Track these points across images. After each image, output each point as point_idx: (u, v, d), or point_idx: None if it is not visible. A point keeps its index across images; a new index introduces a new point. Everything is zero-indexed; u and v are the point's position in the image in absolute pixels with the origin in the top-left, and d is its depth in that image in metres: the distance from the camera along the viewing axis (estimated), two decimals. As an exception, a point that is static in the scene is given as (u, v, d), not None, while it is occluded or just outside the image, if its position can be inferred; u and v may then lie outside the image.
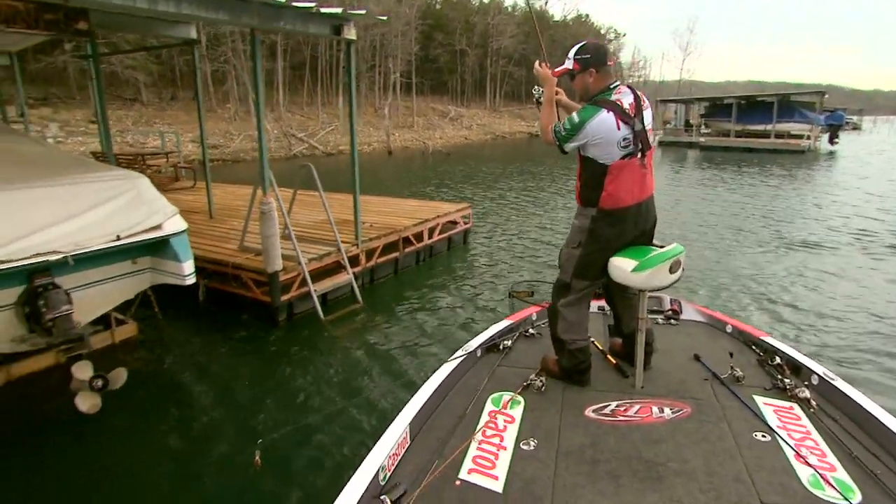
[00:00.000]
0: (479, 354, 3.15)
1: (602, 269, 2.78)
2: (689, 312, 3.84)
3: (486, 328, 3.43)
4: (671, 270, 2.66)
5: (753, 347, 3.28)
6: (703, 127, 35.46)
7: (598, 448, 2.37)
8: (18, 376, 4.59)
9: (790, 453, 2.31)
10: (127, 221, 4.42)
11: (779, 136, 30.56)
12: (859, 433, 2.43)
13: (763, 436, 2.44)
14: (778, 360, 3.03)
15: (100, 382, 3.90)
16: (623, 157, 2.59)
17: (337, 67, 38.22)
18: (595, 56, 2.63)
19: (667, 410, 2.63)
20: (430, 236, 8.12)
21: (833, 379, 2.76)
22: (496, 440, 2.42)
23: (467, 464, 2.26)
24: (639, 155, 2.62)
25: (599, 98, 2.62)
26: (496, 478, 2.20)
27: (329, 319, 5.85)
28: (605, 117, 2.56)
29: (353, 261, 6.63)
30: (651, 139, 2.69)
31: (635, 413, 2.62)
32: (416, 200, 10.23)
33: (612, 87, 2.65)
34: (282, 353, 5.26)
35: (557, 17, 68.34)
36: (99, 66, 6.70)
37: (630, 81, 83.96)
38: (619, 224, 2.69)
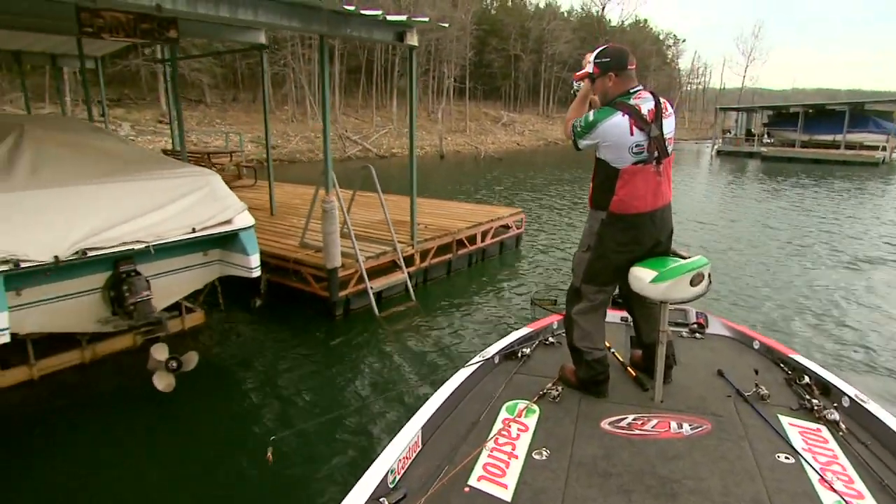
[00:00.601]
0: (496, 361, 3.11)
1: (612, 275, 2.73)
2: (715, 326, 3.76)
3: (506, 334, 3.42)
4: (692, 283, 2.57)
5: (781, 365, 3.18)
6: (765, 137, 34.25)
7: (611, 461, 2.32)
8: (102, 355, 4.98)
9: (814, 477, 2.22)
10: (201, 215, 4.73)
11: (849, 146, 29.19)
12: (892, 460, 2.32)
13: (786, 457, 2.35)
14: (806, 379, 2.93)
15: (174, 364, 4.20)
16: (635, 163, 2.55)
17: (391, 72, 38.92)
18: (614, 60, 2.60)
19: (686, 426, 2.57)
20: (483, 239, 8.24)
21: (865, 401, 2.65)
22: (508, 448, 2.39)
23: (477, 471, 2.24)
24: (654, 162, 2.57)
25: (617, 101, 2.58)
26: (505, 486, 2.18)
27: (383, 316, 6.05)
28: (619, 120, 2.52)
29: (408, 261, 6.81)
30: (669, 148, 2.63)
31: (653, 427, 2.56)
32: (470, 204, 10.37)
33: (632, 91, 2.60)
34: (337, 346, 5.48)
35: (615, 23, 67.50)
36: (176, 70, 7.14)
37: (689, 88, 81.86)
38: (630, 230, 2.63)
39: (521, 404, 2.70)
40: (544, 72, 54.04)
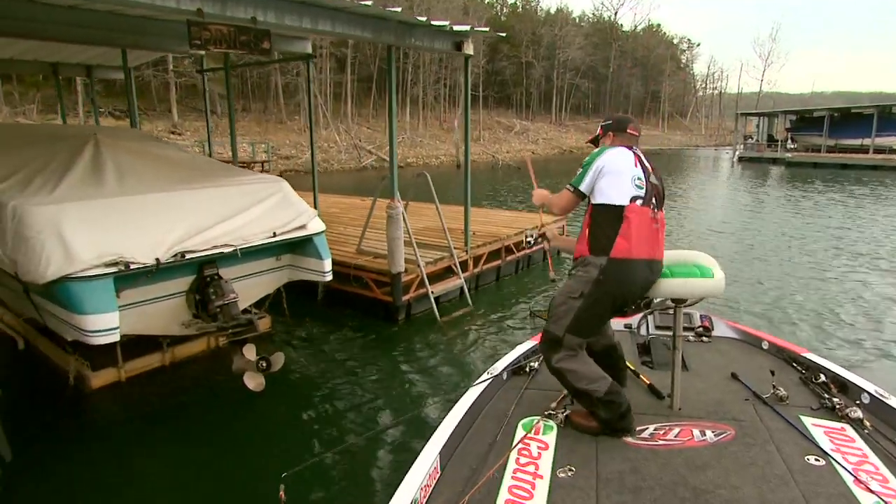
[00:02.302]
0: (505, 377, 3.11)
1: (598, 327, 2.75)
2: (720, 328, 3.79)
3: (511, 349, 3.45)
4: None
5: (794, 365, 3.20)
6: (789, 142, 34.43)
7: (640, 475, 2.30)
8: (181, 358, 5.27)
9: (848, 479, 2.21)
10: (279, 220, 5.01)
11: (878, 150, 29.31)
12: None
13: (816, 459, 2.34)
14: (822, 377, 2.95)
15: (264, 364, 4.46)
16: (635, 199, 2.60)
17: (404, 81, 39.48)
18: (615, 123, 2.85)
19: (709, 433, 2.56)
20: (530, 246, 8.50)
21: (886, 397, 2.65)
22: (531, 468, 2.36)
23: (503, 494, 2.20)
24: (652, 207, 2.64)
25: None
26: None
27: (444, 321, 6.31)
28: (623, 150, 2.69)
29: (462, 266, 7.08)
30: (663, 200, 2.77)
31: (675, 437, 2.55)
32: (510, 211, 10.67)
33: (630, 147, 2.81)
34: (402, 350, 5.73)
35: (627, 28, 68.16)
36: (229, 80, 7.48)
37: (704, 93, 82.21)
38: (630, 276, 2.62)
39: (537, 421, 2.70)
40: (557, 78, 54.60)
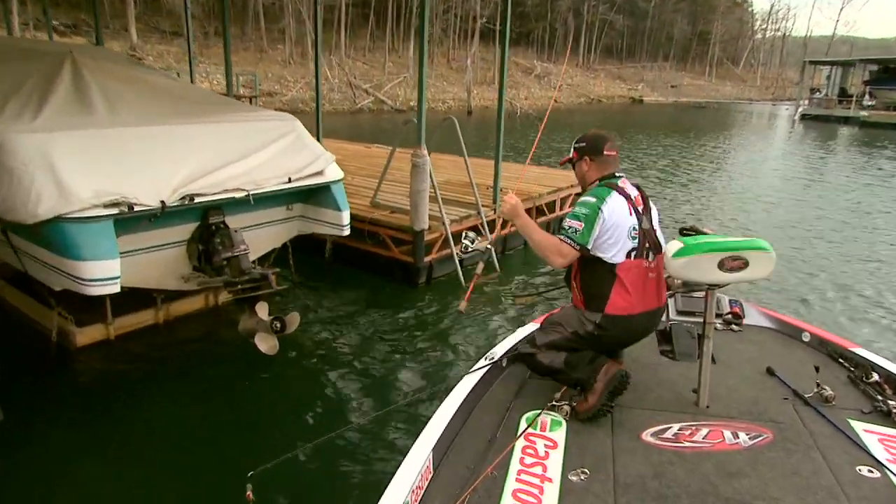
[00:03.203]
0: (504, 364, 3.15)
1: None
2: (753, 316, 3.81)
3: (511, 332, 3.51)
4: (722, 267, 2.57)
5: (841, 361, 3.20)
6: (865, 97, 33.75)
7: (663, 480, 2.31)
8: (176, 315, 5.43)
9: None
10: (293, 164, 5.10)
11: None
12: None
13: (870, 471, 2.33)
14: (875, 376, 2.93)
15: (278, 324, 4.59)
16: (630, 254, 2.75)
17: (406, 8, 38.92)
18: (590, 145, 2.90)
19: (742, 436, 2.57)
20: (563, 207, 8.63)
21: None
22: (538, 469, 2.37)
23: (507, 498, 2.22)
24: (646, 256, 2.79)
25: (604, 182, 2.83)
26: None
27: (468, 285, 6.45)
28: (618, 199, 2.76)
29: (490, 226, 7.20)
30: (662, 241, 2.87)
31: (704, 438, 2.56)
32: (539, 167, 10.74)
33: (616, 175, 2.88)
34: (421, 317, 5.90)
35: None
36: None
37: (764, 36, 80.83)
38: (628, 330, 2.82)
39: (543, 415, 2.71)
40: (587, 12, 53.82)
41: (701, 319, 2.89)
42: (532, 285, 6.79)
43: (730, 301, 3.89)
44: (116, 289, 4.04)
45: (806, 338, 3.53)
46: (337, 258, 6.95)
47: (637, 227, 2.79)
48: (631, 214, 2.77)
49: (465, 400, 2.72)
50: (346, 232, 5.42)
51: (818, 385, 2.88)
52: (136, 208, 4.09)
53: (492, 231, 7.20)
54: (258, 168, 4.88)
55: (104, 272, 3.97)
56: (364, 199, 7.23)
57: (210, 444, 3.91)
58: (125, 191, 4.08)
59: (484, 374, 2.97)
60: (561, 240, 2.73)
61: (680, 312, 3.82)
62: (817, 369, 2.99)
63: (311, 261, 6.82)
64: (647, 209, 2.88)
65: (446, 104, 31.91)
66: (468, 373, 2.97)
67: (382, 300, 6.21)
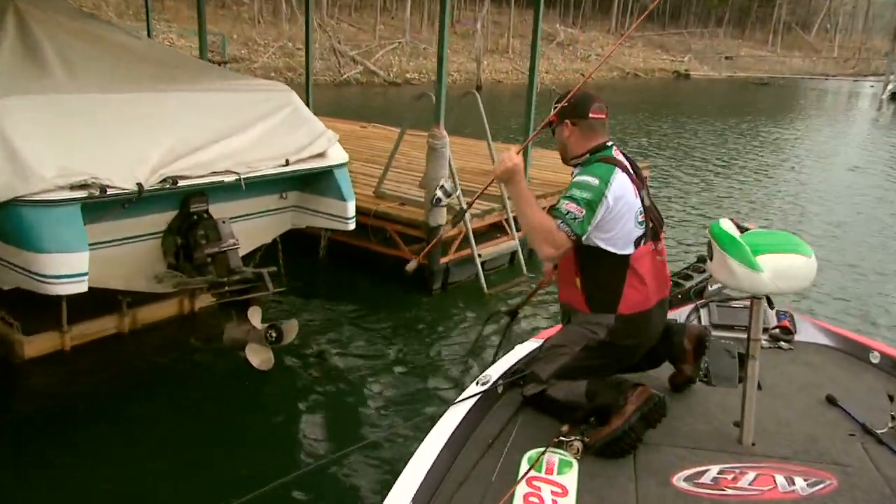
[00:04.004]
0: (500, 391, 3.10)
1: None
2: (807, 331, 3.79)
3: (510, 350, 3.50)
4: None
5: None
6: None
7: None
8: (143, 324, 5.50)
9: None
10: (292, 143, 5.18)
11: None
12: None
13: None
14: None
15: (273, 334, 4.65)
16: (639, 241, 2.81)
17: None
18: (572, 107, 2.89)
19: (799, 481, 2.51)
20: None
21: None
22: None
23: None
24: (652, 238, 2.86)
25: (599, 156, 2.84)
26: None
27: (492, 293, 6.56)
28: (623, 178, 2.78)
29: (517, 223, 7.29)
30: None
31: (750, 484, 2.51)
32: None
33: (608, 145, 2.90)
34: (438, 330, 5.97)
35: None
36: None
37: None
38: (645, 328, 2.89)
39: (549, 454, 2.65)
40: (622, -31, 54.14)
41: (743, 335, 2.84)
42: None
43: (778, 313, 3.83)
44: (84, 287, 4.10)
45: (875, 358, 3.47)
46: (333, 259, 7.04)
47: (642, 208, 2.84)
48: (636, 196, 2.81)
49: (452, 435, 2.65)
50: (352, 226, 5.51)
51: (893, 418, 2.81)
52: (110, 191, 4.14)
53: (517, 228, 7.29)
54: (250, 147, 4.95)
55: (70, 267, 4.03)
56: (364, 187, 7.30)
57: (180, 476, 3.97)
58: (96, 170, 4.12)
59: (475, 404, 2.90)
60: (557, 226, 2.68)
61: (716, 326, 3.77)
62: (892, 398, 2.90)
63: (301, 262, 6.86)
64: (641, 180, 2.92)
65: (450, 76, 31.93)
66: (455, 402, 2.91)
67: (389, 309, 6.29)
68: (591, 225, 2.70)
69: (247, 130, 5.01)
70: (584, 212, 2.67)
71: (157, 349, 5.33)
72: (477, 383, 3.05)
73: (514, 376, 3.14)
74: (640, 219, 2.81)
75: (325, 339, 5.75)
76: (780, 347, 3.64)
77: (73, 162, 4.11)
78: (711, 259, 2.71)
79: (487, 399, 2.99)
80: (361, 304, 6.38)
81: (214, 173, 4.67)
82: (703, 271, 5.05)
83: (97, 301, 5.09)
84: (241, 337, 4.74)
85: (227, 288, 4.70)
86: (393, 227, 6.67)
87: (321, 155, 5.33)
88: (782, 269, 2.54)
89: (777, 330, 3.73)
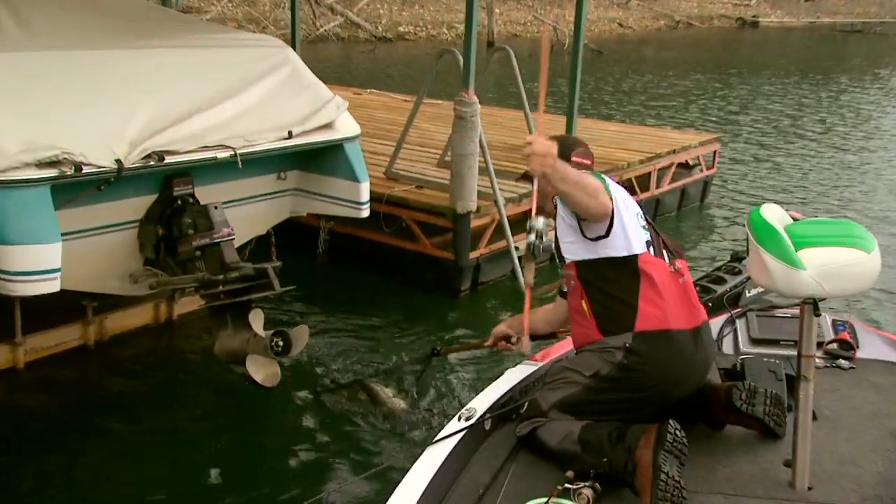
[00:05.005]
0: (487, 427, 3.12)
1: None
2: (873, 345, 3.82)
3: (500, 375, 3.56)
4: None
5: None
6: None
7: None
8: (112, 334, 5.69)
9: None
10: (294, 111, 5.40)
11: None
12: None
13: None
14: None
15: (280, 342, 4.80)
16: (648, 246, 3.01)
17: None
18: (559, 149, 2.94)
19: None
20: (659, 184, 8.98)
21: None
22: None
23: None
24: (665, 255, 3.07)
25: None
26: None
27: (534, 296, 6.72)
28: (612, 181, 3.10)
29: (560, 209, 7.51)
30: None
31: None
32: (616, 124, 11.11)
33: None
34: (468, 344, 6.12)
35: None
36: None
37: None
38: (673, 355, 2.90)
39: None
40: None
41: (791, 351, 2.83)
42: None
43: (834, 322, 3.84)
44: (56, 286, 4.25)
45: None
46: (335, 255, 7.19)
47: (643, 215, 3.08)
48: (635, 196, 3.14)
49: (430, 484, 2.64)
50: (366, 212, 5.73)
51: None
52: (86, 170, 4.31)
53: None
54: (245, 116, 5.16)
55: (39, 262, 4.19)
56: (371, 168, 7.48)
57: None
58: (67, 144, 4.28)
59: (458, 443, 2.88)
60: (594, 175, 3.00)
61: (755, 341, 3.83)
62: None
63: (295, 260, 6.99)
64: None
65: (454, 30, 32.15)
66: (433, 442, 2.90)
67: (406, 318, 6.43)
68: (609, 188, 2.92)
69: (240, 95, 5.22)
70: (602, 184, 2.91)
71: (128, 365, 5.50)
72: (459, 418, 3.05)
73: (504, 408, 3.17)
74: (643, 223, 3.04)
75: (324, 357, 5.81)
76: (838, 366, 3.62)
77: (40, 134, 4.26)
78: (748, 255, 2.71)
79: (473, 437, 2.99)
80: (370, 311, 6.50)
81: (205, 148, 4.86)
82: (739, 272, 4.96)
83: (57, 307, 5.22)
84: (239, 347, 4.88)
85: (221, 288, 4.86)
86: (410, 216, 6.82)
87: (328, 125, 5.54)
88: (832, 266, 2.47)
89: (834, 345, 3.72)
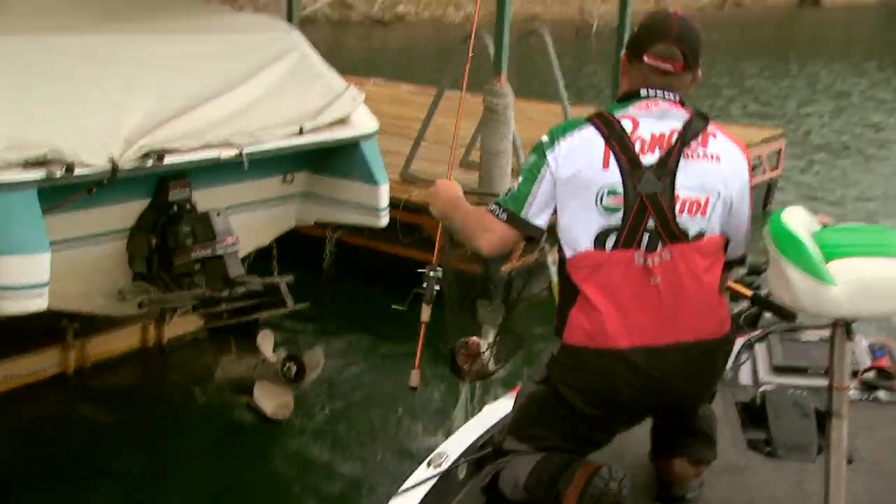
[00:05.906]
0: (461, 476, 3.08)
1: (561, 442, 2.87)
2: None
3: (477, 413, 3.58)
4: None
5: None
6: None
7: None
8: (94, 360, 5.80)
9: None
10: (305, 104, 5.55)
11: None
12: None
13: None
14: None
15: (293, 368, 5.00)
16: (604, 238, 2.69)
17: None
18: (634, 38, 2.95)
19: None
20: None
21: None
22: None
23: None
24: (640, 246, 2.68)
25: (604, 111, 2.85)
26: None
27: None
28: (588, 135, 2.70)
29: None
30: (695, 223, 2.71)
31: None
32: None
33: (641, 95, 2.81)
34: (498, 378, 6.28)
35: None
36: None
37: None
38: (597, 381, 2.74)
39: None
40: None
41: (821, 381, 2.80)
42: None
43: (871, 347, 3.85)
44: (44, 304, 4.40)
45: None
46: (343, 269, 7.35)
47: (618, 189, 2.66)
48: (606, 167, 2.66)
49: None
50: (385, 220, 5.87)
51: None
52: (78, 171, 4.44)
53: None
54: (250, 110, 5.31)
55: (27, 275, 4.34)
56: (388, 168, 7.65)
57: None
58: (56, 140, 4.41)
59: (427, 495, 2.86)
60: (488, 209, 2.78)
61: (778, 370, 3.80)
62: None
63: (299, 274, 7.17)
64: (669, 159, 2.69)
65: (462, 11, 32.32)
66: (399, 493, 2.88)
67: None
68: (528, 199, 2.69)
69: (245, 86, 5.38)
70: (521, 181, 2.73)
71: (112, 394, 5.64)
72: (429, 464, 2.99)
73: (481, 452, 3.10)
74: (606, 203, 2.65)
75: (333, 384, 5.90)
76: (876, 399, 3.60)
77: (25, 130, 4.41)
78: (769, 268, 2.61)
79: (444, 486, 2.95)
80: (385, 332, 6.60)
81: (208, 146, 4.99)
82: (758, 287, 4.86)
83: (33, 329, 5.35)
84: (245, 374, 5.07)
85: (224, 306, 5.00)
86: (431, 224, 6.97)
87: (343, 121, 5.68)
88: (866, 280, 2.30)
89: (871, 373, 3.69)
